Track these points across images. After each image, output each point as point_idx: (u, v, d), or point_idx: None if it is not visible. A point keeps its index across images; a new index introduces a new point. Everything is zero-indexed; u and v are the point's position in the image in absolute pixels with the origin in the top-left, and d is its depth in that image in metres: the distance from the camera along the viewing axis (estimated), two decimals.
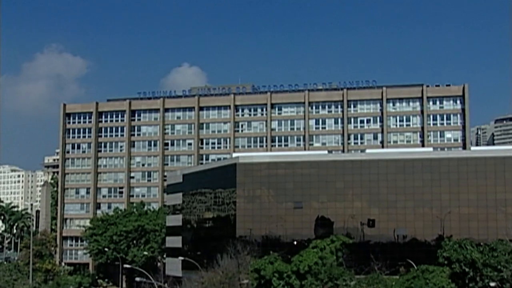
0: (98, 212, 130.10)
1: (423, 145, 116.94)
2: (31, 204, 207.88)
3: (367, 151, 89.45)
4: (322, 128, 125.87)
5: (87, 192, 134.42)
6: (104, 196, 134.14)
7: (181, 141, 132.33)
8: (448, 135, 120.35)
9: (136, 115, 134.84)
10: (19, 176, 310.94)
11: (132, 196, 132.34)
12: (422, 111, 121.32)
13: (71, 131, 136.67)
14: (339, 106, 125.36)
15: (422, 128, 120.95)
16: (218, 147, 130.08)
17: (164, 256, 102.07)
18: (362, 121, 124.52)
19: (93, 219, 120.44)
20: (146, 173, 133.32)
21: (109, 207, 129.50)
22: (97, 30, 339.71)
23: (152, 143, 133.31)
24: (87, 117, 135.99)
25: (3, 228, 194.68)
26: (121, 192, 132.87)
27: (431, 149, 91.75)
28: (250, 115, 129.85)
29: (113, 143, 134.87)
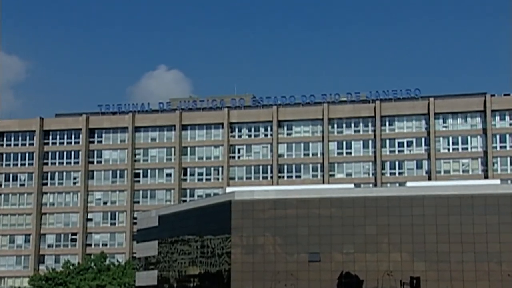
0: (41, 267, 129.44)
1: (486, 176, 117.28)
2: None
3: (408, 184, 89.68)
4: (347, 153, 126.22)
5: (26, 240, 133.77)
6: (50, 246, 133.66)
7: (157, 171, 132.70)
8: None
9: (96, 135, 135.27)
10: None
11: (90, 245, 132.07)
12: (484, 130, 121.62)
13: (4, 156, 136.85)
14: (370, 124, 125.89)
15: (485, 152, 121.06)
16: (206, 179, 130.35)
17: None
18: (401, 144, 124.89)
19: (34, 278, 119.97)
20: (109, 214, 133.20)
21: (56, 261, 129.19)
22: (41, 21, 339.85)
23: (118, 173, 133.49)
24: (28, 138, 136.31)
25: None
26: (73, 240, 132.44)
27: (498, 181, 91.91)
28: (249, 136, 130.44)
29: (64, 173, 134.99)
